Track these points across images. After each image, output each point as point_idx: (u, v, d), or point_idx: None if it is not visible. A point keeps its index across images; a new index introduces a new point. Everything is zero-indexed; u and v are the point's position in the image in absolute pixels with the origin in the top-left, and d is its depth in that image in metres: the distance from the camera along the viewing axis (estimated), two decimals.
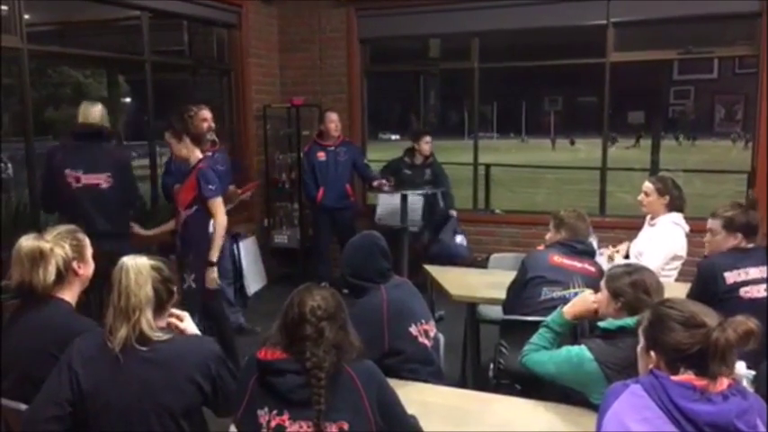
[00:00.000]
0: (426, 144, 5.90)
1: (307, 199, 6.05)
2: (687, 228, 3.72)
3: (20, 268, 2.23)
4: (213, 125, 4.70)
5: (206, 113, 4.60)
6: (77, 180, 3.84)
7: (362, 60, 6.53)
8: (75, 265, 2.31)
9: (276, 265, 6.44)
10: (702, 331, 1.53)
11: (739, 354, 1.59)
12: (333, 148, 5.74)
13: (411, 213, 5.49)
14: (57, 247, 2.26)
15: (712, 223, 3.10)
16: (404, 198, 5.44)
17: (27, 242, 2.25)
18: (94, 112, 3.97)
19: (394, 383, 1.95)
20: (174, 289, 2.04)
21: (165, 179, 4.72)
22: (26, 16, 4.34)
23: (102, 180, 3.90)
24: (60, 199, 3.91)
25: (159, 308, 1.97)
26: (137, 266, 1.95)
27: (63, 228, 2.37)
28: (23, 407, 2.01)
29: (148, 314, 1.92)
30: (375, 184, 5.81)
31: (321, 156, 5.72)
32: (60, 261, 2.25)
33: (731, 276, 2.88)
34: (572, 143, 33.66)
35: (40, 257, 2.22)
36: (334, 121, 5.75)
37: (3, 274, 3.73)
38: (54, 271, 2.24)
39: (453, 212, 5.96)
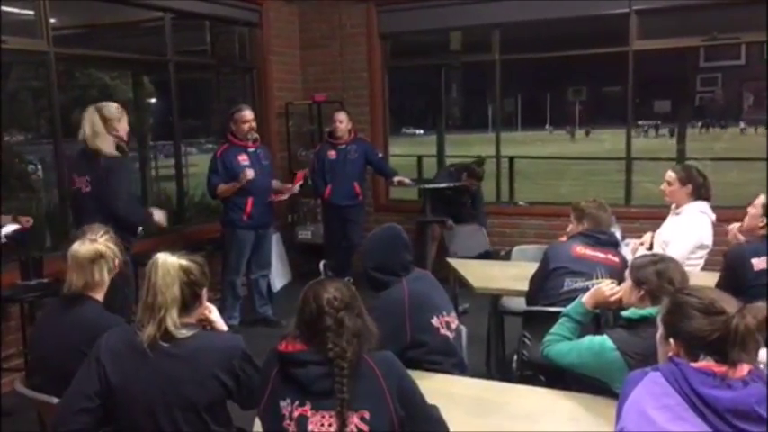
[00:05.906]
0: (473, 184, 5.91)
1: (315, 196, 6.11)
2: (713, 217, 3.66)
3: (79, 271, 2.30)
4: (254, 125, 4.96)
5: (246, 114, 4.90)
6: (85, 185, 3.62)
7: (383, 55, 6.55)
8: (117, 262, 2.41)
9: (301, 260, 6.50)
10: (722, 318, 1.52)
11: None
12: (344, 146, 5.72)
13: None
14: (108, 249, 2.36)
15: (758, 199, 3.08)
16: (425, 191, 5.52)
17: (83, 246, 2.32)
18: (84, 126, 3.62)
19: (417, 375, 1.96)
20: (201, 293, 2.06)
21: (213, 178, 4.90)
22: (52, 20, 4.43)
23: (83, 184, 3.63)
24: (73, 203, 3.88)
25: (185, 308, 1.99)
26: (166, 265, 1.97)
27: (99, 228, 2.44)
28: (56, 400, 2.08)
29: (174, 314, 1.94)
30: (396, 180, 5.86)
31: (332, 154, 5.71)
32: (111, 260, 2.37)
33: (759, 263, 2.83)
34: (587, 134, 33.24)
35: (99, 258, 2.32)
36: (342, 120, 5.70)
37: (41, 272, 3.87)
38: (107, 270, 2.35)
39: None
